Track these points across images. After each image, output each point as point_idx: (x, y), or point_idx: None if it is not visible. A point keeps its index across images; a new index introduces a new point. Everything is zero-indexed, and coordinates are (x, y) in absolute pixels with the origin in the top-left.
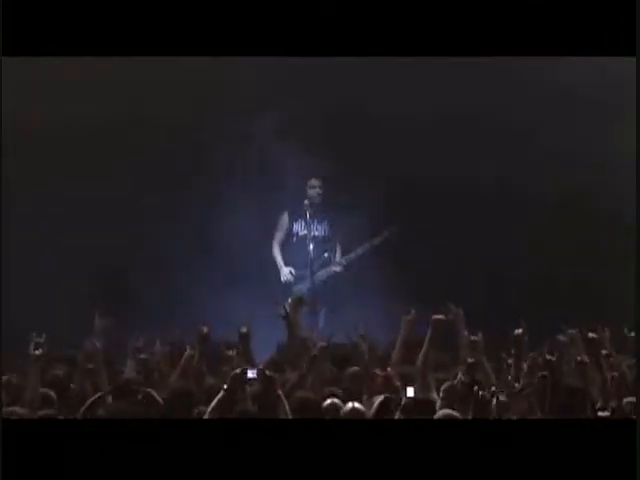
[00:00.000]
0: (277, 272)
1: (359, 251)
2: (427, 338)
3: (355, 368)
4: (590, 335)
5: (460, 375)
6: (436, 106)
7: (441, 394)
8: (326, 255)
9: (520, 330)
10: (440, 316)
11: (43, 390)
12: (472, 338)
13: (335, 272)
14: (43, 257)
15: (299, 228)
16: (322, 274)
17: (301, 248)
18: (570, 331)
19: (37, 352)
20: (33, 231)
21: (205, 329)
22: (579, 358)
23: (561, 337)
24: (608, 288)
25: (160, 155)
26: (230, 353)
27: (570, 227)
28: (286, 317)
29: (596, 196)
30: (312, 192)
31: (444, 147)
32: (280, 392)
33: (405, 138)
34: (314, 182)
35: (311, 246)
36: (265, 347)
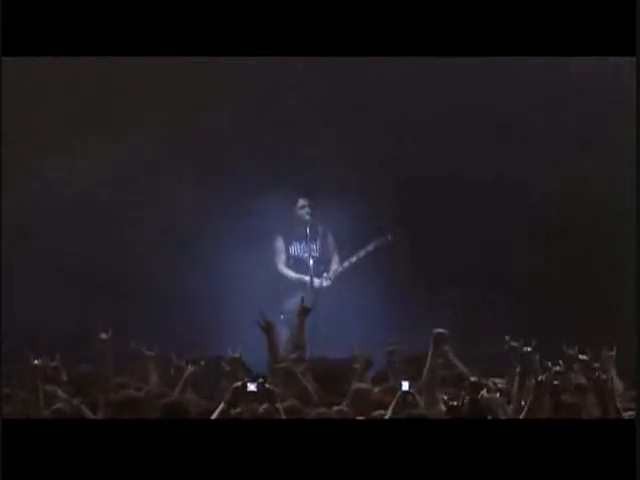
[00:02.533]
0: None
1: (346, 264)
2: (430, 353)
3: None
4: (581, 357)
5: (463, 394)
6: (436, 106)
7: (445, 413)
8: (324, 275)
9: (529, 348)
10: (441, 330)
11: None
12: None
13: (325, 285)
14: (42, 260)
15: (295, 250)
16: (315, 287)
17: (298, 268)
18: (570, 351)
19: (37, 362)
20: (33, 232)
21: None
22: (575, 382)
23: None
24: (609, 288)
25: (160, 156)
26: (227, 369)
27: (570, 227)
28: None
29: (596, 196)
30: (301, 212)
31: (443, 148)
32: (279, 406)
33: (405, 139)
34: (302, 202)
35: (311, 262)
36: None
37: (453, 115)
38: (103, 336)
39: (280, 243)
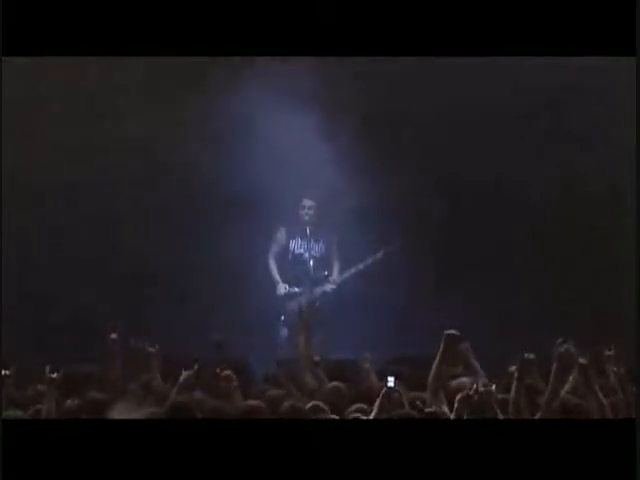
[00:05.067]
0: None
1: (353, 270)
2: (439, 352)
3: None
4: (581, 361)
5: (476, 385)
6: (436, 106)
7: (456, 404)
8: (326, 273)
9: (532, 356)
10: (453, 331)
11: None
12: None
13: (329, 290)
14: (42, 259)
15: (296, 246)
16: (317, 291)
17: (297, 266)
18: (567, 346)
19: (53, 375)
20: (32, 235)
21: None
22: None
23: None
24: (609, 288)
25: (160, 155)
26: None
27: (570, 227)
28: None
29: (596, 196)
30: (302, 213)
31: (443, 148)
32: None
33: (404, 139)
34: (306, 203)
35: (311, 263)
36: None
37: (453, 115)
38: (113, 336)
39: (281, 235)
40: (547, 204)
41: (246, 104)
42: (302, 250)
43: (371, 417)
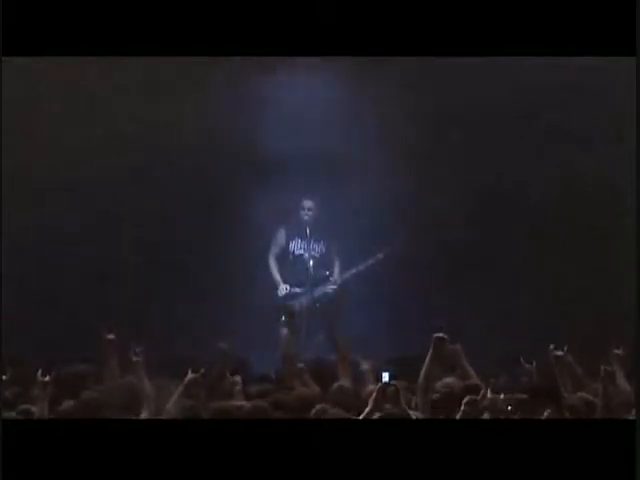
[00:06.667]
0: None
1: (353, 271)
2: (429, 356)
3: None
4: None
5: (483, 393)
6: (436, 106)
7: (462, 407)
8: (327, 273)
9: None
10: (441, 334)
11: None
12: None
13: (330, 290)
14: (41, 259)
15: (296, 246)
16: (318, 291)
17: (297, 266)
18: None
19: (45, 378)
20: (32, 235)
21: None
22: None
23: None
24: (609, 289)
25: (160, 154)
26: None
27: (570, 227)
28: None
29: (596, 196)
30: (302, 213)
31: (442, 148)
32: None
33: (404, 139)
34: (305, 204)
35: (311, 263)
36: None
37: (453, 115)
38: (110, 336)
39: (281, 235)
40: (547, 204)
41: (247, 104)
42: (302, 251)
43: (365, 412)
